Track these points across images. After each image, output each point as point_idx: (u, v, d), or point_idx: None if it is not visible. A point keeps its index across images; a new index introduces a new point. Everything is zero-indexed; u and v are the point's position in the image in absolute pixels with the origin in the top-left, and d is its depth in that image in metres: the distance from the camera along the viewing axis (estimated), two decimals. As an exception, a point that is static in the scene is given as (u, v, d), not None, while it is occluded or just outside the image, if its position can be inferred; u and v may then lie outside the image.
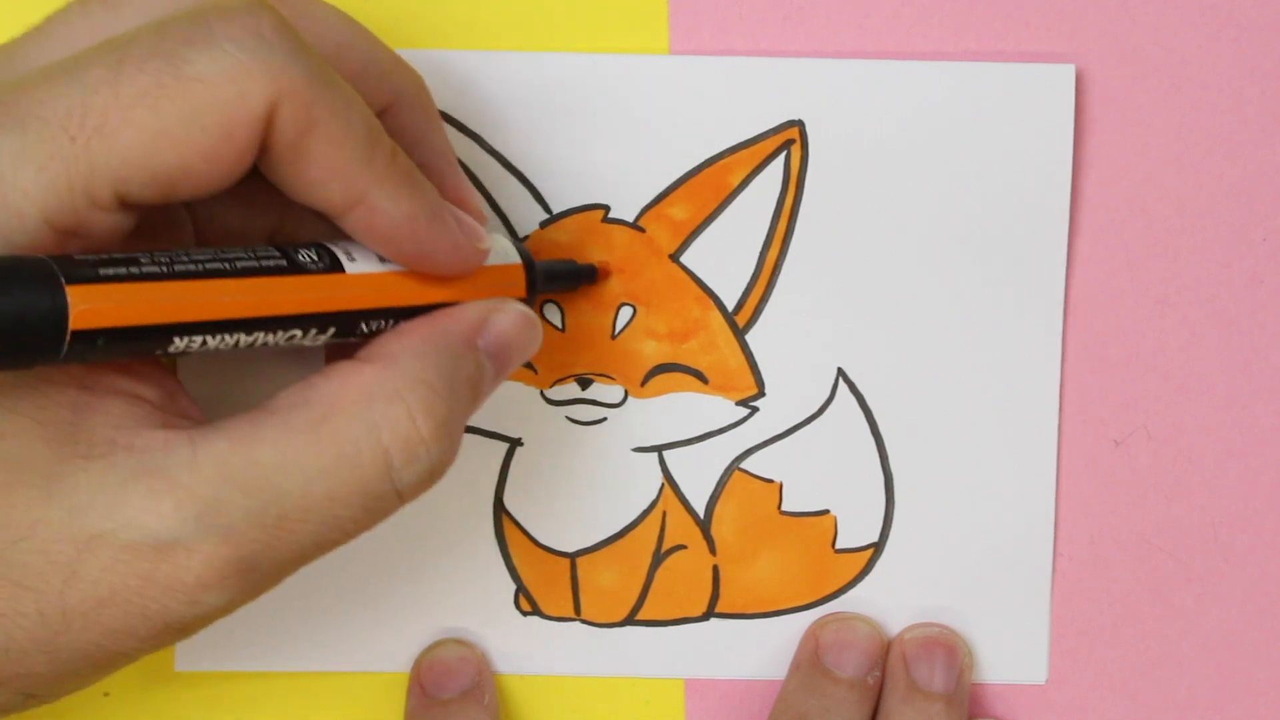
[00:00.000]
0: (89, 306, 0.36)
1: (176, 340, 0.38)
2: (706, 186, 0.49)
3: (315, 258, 0.40)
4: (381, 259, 0.41)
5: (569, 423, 0.50)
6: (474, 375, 0.42)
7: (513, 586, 0.51)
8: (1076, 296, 0.50)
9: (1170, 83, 0.50)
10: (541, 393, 0.50)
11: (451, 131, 0.49)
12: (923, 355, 0.50)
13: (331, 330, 0.41)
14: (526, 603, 0.51)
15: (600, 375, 0.50)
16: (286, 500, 0.38)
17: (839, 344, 0.50)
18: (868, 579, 0.51)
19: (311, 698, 0.51)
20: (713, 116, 0.49)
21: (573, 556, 0.51)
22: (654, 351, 0.50)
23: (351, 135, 0.39)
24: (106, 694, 0.51)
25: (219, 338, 0.39)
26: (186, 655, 0.50)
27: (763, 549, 0.51)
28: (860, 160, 0.49)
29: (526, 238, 0.49)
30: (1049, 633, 0.51)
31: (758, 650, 0.51)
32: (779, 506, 0.51)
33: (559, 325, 0.50)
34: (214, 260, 0.39)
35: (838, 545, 0.51)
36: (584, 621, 0.51)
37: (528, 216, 0.49)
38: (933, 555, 0.51)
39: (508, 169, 0.49)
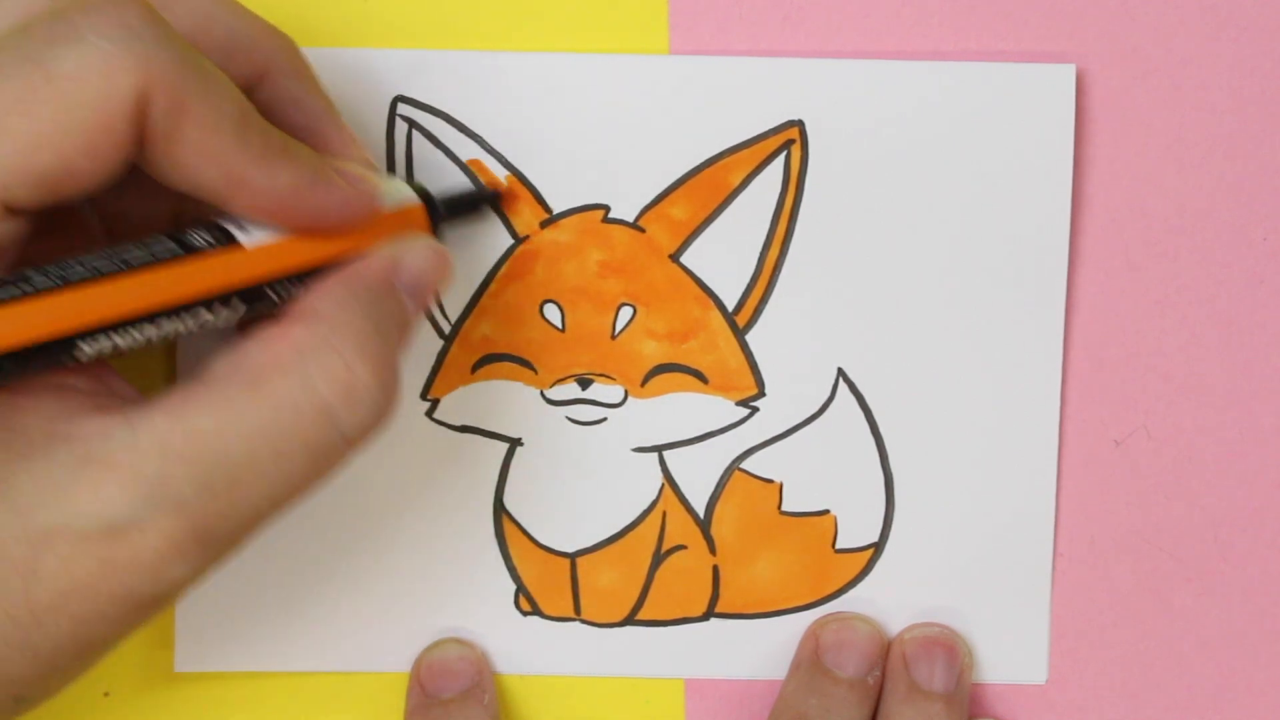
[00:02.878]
0: None
1: (84, 347, 0.38)
2: (706, 186, 0.49)
3: (209, 238, 0.40)
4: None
5: (569, 423, 0.50)
6: (398, 315, 0.42)
7: (513, 586, 0.51)
8: (1077, 296, 0.50)
9: (1170, 83, 0.50)
10: (541, 393, 0.50)
11: (453, 132, 0.49)
12: (923, 355, 0.50)
13: (240, 305, 0.41)
14: (526, 603, 0.51)
15: (600, 375, 0.50)
16: (232, 464, 0.38)
17: (839, 344, 0.50)
18: (868, 579, 0.51)
19: (311, 698, 0.51)
20: (713, 116, 0.49)
21: (573, 556, 0.51)
22: (654, 351, 0.50)
23: (223, 118, 0.39)
24: (107, 694, 0.51)
25: (127, 336, 0.39)
26: (186, 655, 0.50)
27: (763, 549, 0.51)
28: (860, 160, 0.49)
29: (526, 238, 0.49)
30: (1049, 633, 0.51)
31: (758, 650, 0.51)
32: (779, 506, 0.51)
33: (559, 325, 0.50)
34: (106, 261, 0.39)
35: (838, 545, 0.51)
36: (584, 621, 0.51)
37: (528, 217, 0.49)
38: (933, 555, 0.51)
39: (508, 169, 0.49)
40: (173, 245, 0.40)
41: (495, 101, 0.49)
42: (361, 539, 0.50)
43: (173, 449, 0.38)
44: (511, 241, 0.49)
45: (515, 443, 0.50)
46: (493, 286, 0.49)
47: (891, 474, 0.50)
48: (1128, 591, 0.51)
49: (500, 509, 0.50)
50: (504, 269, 0.49)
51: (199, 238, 0.40)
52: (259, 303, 0.41)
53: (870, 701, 0.50)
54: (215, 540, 0.39)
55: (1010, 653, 0.51)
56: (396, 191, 0.44)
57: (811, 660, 0.50)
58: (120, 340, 0.39)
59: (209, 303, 0.40)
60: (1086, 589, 0.51)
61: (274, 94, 0.43)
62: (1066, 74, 0.49)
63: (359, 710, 0.51)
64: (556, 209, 0.49)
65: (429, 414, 0.50)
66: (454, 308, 0.49)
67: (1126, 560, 0.51)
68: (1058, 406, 0.50)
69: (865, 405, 0.50)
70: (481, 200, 0.48)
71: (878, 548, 0.51)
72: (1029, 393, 0.50)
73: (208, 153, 0.39)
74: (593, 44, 0.49)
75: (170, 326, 0.39)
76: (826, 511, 0.51)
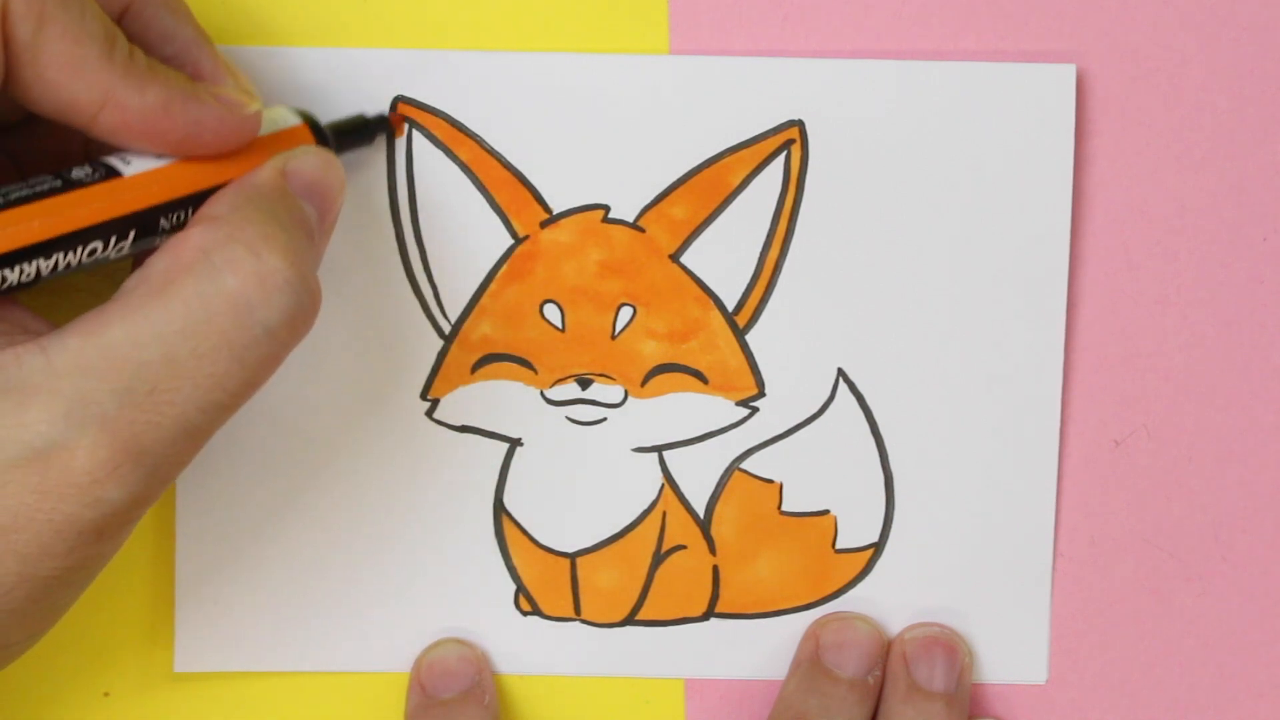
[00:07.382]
0: None
1: None
2: (706, 186, 0.49)
3: (91, 171, 0.40)
4: (159, 156, 0.41)
5: (569, 423, 0.50)
6: (299, 216, 0.42)
7: (513, 586, 0.51)
8: (1077, 296, 0.50)
9: (1170, 83, 0.50)
10: (541, 393, 0.50)
11: (453, 132, 0.49)
12: (923, 355, 0.50)
13: (132, 234, 0.41)
14: (526, 603, 0.51)
15: (600, 375, 0.50)
16: (150, 372, 0.38)
17: (839, 344, 0.50)
18: (868, 579, 0.51)
19: (311, 698, 0.51)
20: (713, 116, 0.49)
21: (573, 556, 0.51)
22: (654, 351, 0.50)
23: (87, 31, 0.39)
24: (106, 694, 0.51)
25: (18, 271, 0.39)
26: (186, 655, 0.50)
27: (763, 549, 0.51)
28: (860, 160, 0.49)
29: (526, 238, 0.49)
30: (1049, 633, 0.51)
31: (758, 650, 0.51)
32: (779, 506, 0.51)
33: (559, 325, 0.50)
34: None
35: (838, 545, 0.51)
36: (584, 621, 0.51)
37: (528, 216, 0.49)
38: (933, 555, 0.51)
39: (508, 169, 0.49)
40: (55, 182, 0.40)
41: (495, 101, 0.49)
42: (361, 539, 0.50)
43: (88, 365, 0.38)
44: (511, 241, 0.49)
45: (515, 443, 0.50)
46: (493, 286, 0.49)
47: (891, 474, 0.50)
48: (1128, 591, 0.51)
49: (500, 509, 0.50)
50: (504, 269, 0.49)
51: (81, 172, 0.40)
52: (155, 235, 0.41)
53: (870, 701, 0.50)
54: (148, 454, 0.38)
55: (1010, 653, 0.51)
56: (280, 117, 0.44)
57: (811, 660, 0.50)
58: (11, 275, 0.39)
59: (101, 234, 0.40)
60: (1086, 589, 0.51)
61: (141, 24, 0.43)
62: (1066, 74, 0.49)
63: (359, 710, 0.51)
64: (556, 209, 0.49)
65: (429, 414, 0.50)
66: (454, 308, 0.49)
67: (1126, 560, 0.51)
68: (1058, 406, 0.50)
69: (865, 405, 0.50)
70: (372, 128, 0.48)
71: (878, 548, 0.51)
72: (1029, 392, 0.50)
73: (73, 66, 0.39)
74: (593, 44, 0.49)
75: (62, 260, 0.40)
76: (826, 511, 0.51)
